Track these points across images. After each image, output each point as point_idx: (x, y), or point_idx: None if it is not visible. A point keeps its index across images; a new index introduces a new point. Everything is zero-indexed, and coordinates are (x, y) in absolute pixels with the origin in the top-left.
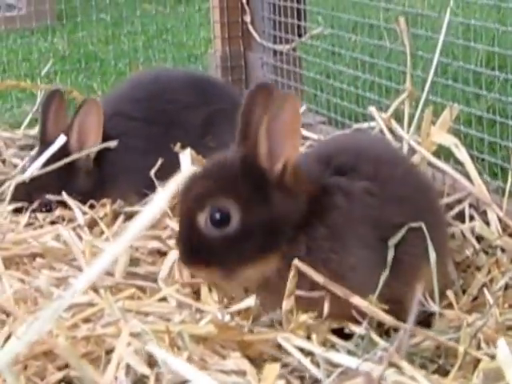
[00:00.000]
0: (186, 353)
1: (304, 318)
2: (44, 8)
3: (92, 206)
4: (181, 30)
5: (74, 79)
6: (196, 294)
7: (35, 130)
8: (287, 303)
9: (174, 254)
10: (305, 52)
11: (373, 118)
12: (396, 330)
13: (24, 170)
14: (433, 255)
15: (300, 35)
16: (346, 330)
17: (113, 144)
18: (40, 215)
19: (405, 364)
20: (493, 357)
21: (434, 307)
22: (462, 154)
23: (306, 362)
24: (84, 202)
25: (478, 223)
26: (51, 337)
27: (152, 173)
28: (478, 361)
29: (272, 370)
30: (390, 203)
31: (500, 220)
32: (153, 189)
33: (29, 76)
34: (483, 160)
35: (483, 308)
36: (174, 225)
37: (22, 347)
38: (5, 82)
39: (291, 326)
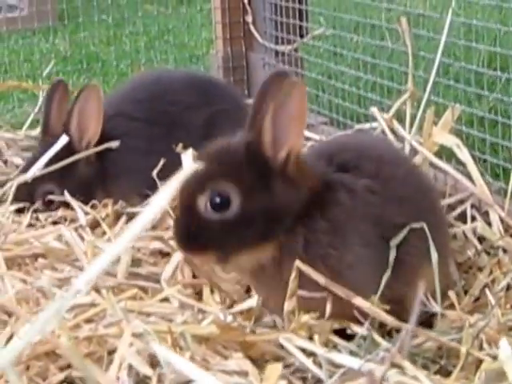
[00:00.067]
0: (188, 353)
1: (306, 318)
2: (46, 9)
3: (94, 207)
4: (182, 30)
5: (75, 80)
6: (198, 295)
7: (37, 131)
8: (289, 304)
9: (177, 255)
10: (307, 52)
11: (375, 119)
12: (398, 330)
13: (25, 167)
14: (434, 256)
15: (302, 36)
16: (348, 331)
17: (115, 144)
18: (42, 216)
19: (407, 364)
20: (495, 357)
21: (436, 308)
22: (463, 154)
23: (308, 362)
24: (86, 202)
25: (479, 224)
26: (54, 337)
27: (154, 173)
28: (480, 361)
29: (274, 370)
30: (392, 203)
31: (502, 221)
32: (154, 189)
33: (30, 77)
34: (485, 161)
35: (485, 309)
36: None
37: (24, 346)
38: (6, 83)
39: (293, 326)
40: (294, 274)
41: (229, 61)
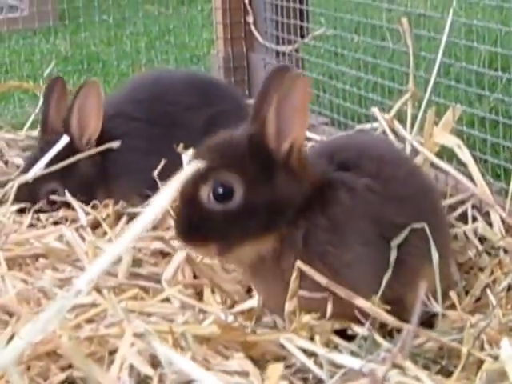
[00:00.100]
0: (189, 353)
1: (307, 318)
2: (46, 9)
3: (95, 207)
4: (183, 31)
5: (76, 80)
6: (199, 295)
7: (38, 131)
8: (290, 304)
9: (179, 256)
10: (307, 53)
11: (375, 119)
12: (399, 330)
13: (26, 166)
14: (435, 256)
15: (302, 36)
16: (349, 331)
17: (116, 145)
18: (43, 216)
19: (408, 364)
20: (496, 358)
21: (437, 308)
22: (464, 154)
23: (309, 362)
24: (88, 200)
25: (480, 224)
26: (55, 337)
27: (155, 174)
28: (482, 362)
29: (275, 370)
30: (392, 202)
31: (503, 221)
32: (155, 190)
33: (31, 77)
34: (486, 161)
35: (486, 309)
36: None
37: (25, 346)
38: (7, 83)
39: (294, 326)
40: (295, 275)
41: (229, 61)
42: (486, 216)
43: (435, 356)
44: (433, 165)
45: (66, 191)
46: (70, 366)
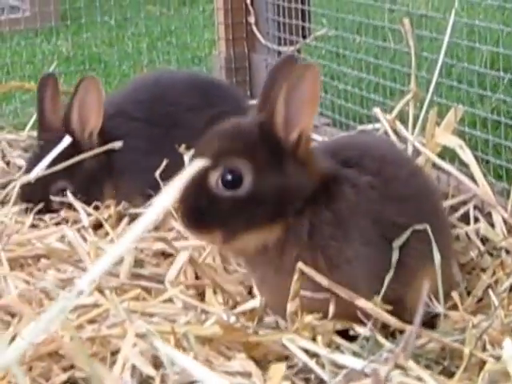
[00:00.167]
0: (191, 354)
1: (309, 319)
2: (48, 10)
3: (96, 208)
4: (185, 31)
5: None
6: (200, 296)
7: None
8: (292, 305)
9: (182, 256)
10: (309, 53)
11: (377, 120)
12: (401, 331)
13: (28, 166)
14: (437, 257)
15: (304, 37)
16: (351, 332)
17: (117, 145)
18: (47, 216)
19: (412, 364)
20: (498, 358)
21: (439, 308)
22: (466, 155)
23: (311, 363)
24: (95, 198)
25: (482, 225)
26: (58, 337)
27: (157, 174)
28: (484, 362)
29: (278, 370)
30: (393, 202)
31: (505, 222)
32: (157, 190)
33: (33, 78)
34: (488, 162)
35: (488, 310)
36: (179, 226)
37: (27, 346)
38: (9, 84)
39: (296, 326)
40: (296, 276)
41: (231, 62)
42: (488, 217)
43: (437, 357)
44: (435, 165)
45: (68, 192)
46: (71, 367)
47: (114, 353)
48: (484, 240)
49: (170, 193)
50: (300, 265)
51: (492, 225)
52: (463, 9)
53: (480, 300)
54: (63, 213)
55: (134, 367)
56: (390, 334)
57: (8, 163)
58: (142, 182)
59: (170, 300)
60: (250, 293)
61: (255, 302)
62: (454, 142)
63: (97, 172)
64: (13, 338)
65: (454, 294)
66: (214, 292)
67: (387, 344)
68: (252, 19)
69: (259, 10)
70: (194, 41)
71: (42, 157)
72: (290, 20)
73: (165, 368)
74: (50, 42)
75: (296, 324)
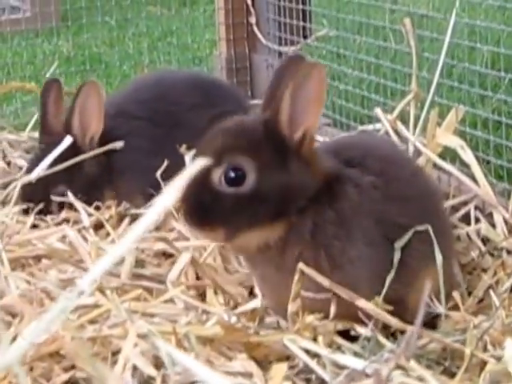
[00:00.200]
0: (192, 354)
1: (310, 319)
2: (49, 10)
3: (97, 208)
4: (185, 32)
5: (78, 81)
6: (201, 296)
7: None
8: (293, 305)
9: (184, 257)
10: (310, 54)
11: (378, 120)
12: (402, 331)
13: (29, 168)
14: (439, 257)
15: (305, 37)
16: (352, 332)
17: (119, 145)
18: (49, 217)
19: (413, 365)
20: (499, 359)
21: (440, 309)
22: (467, 155)
23: (313, 363)
24: (94, 199)
25: (483, 225)
26: (59, 337)
27: (158, 174)
28: (485, 363)
29: (279, 371)
30: (395, 203)
31: (506, 222)
32: (158, 190)
33: (33, 78)
34: (489, 162)
35: (489, 310)
36: (180, 227)
37: (28, 346)
38: (9, 84)
39: (297, 327)
40: (297, 277)
41: (232, 62)
42: (489, 217)
43: (438, 357)
44: (436, 166)
45: (69, 192)
46: (73, 367)
47: (115, 353)
48: (485, 240)
49: (172, 193)
50: (301, 265)
51: (493, 225)
52: (464, 9)
53: (481, 300)
54: (64, 213)
55: (135, 367)
56: (391, 334)
57: (9, 163)
58: (144, 181)
59: (171, 300)
60: (251, 293)
61: (256, 303)
62: (455, 143)
63: (97, 177)
64: (14, 338)
65: (455, 295)
66: (215, 292)
67: (388, 344)
68: (253, 19)
69: (260, 10)
70: (195, 41)
71: (43, 159)
72: (290, 20)
73: (166, 368)
74: (50, 43)
75: (297, 324)
